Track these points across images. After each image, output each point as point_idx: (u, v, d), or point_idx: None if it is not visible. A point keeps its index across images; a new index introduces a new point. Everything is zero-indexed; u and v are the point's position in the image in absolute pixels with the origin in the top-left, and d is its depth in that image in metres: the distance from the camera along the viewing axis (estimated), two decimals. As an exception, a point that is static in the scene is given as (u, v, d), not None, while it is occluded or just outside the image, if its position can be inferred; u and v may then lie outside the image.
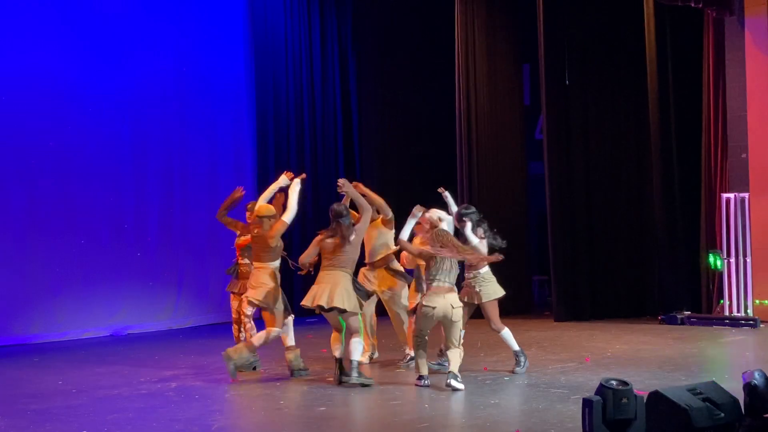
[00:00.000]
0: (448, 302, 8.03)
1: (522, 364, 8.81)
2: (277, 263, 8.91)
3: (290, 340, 9.04)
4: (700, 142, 13.02)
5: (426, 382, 8.25)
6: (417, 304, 8.29)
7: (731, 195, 12.36)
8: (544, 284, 16.05)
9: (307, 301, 8.44)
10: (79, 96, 13.04)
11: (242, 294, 9.35)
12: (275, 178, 15.08)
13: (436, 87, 16.04)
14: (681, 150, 13.29)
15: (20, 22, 12.49)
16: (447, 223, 8.69)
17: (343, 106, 16.11)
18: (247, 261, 9.49)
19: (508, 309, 13.98)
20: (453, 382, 7.96)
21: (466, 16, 14.18)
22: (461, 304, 8.24)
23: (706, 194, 12.92)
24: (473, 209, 8.95)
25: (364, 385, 8.28)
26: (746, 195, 12.31)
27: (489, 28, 14.42)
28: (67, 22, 12.95)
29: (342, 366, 8.48)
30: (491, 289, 8.78)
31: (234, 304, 9.65)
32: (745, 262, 12.24)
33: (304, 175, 9.19)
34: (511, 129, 14.77)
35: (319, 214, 15.54)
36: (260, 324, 9.17)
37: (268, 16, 15.26)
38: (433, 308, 8.02)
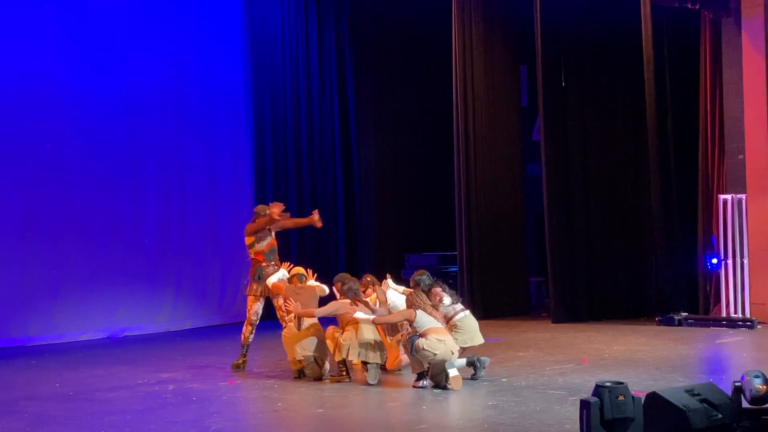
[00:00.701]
0: (448, 349, 8.19)
1: (478, 369, 8.65)
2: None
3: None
4: (698, 143, 13.02)
5: (425, 382, 8.27)
6: (414, 343, 8.28)
7: (728, 196, 12.36)
8: (542, 285, 16.05)
9: (356, 357, 8.58)
10: (77, 99, 13.02)
11: (267, 296, 9.64)
12: (272, 181, 15.23)
13: (433, 88, 16.06)
14: (678, 151, 13.30)
15: (16, 26, 12.47)
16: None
17: (340, 107, 16.12)
18: (272, 263, 9.64)
19: (507, 311, 14.08)
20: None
21: (463, 18, 14.18)
22: (458, 348, 8.40)
23: (703, 195, 12.92)
24: (426, 274, 9.29)
25: (370, 377, 8.45)
26: (743, 196, 12.31)
27: (486, 30, 14.41)
28: (64, 25, 12.93)
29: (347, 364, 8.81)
30: (461, 339, 8.83)
31: (255, 306, 9.66)
32: (742, 263, 12.24)
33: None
34: (508, 130, 14.77)
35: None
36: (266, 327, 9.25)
37: (266, 19, 15.27)
38: (435, 354, 8.15)
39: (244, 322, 9.75)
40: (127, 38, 13.58)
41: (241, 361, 9.62)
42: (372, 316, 8.72)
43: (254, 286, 9.65)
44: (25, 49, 12.53)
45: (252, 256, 9.69)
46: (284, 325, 9.15)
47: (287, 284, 9.31)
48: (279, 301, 9.47)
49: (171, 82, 14.10)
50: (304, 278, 9.42)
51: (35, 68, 12.62)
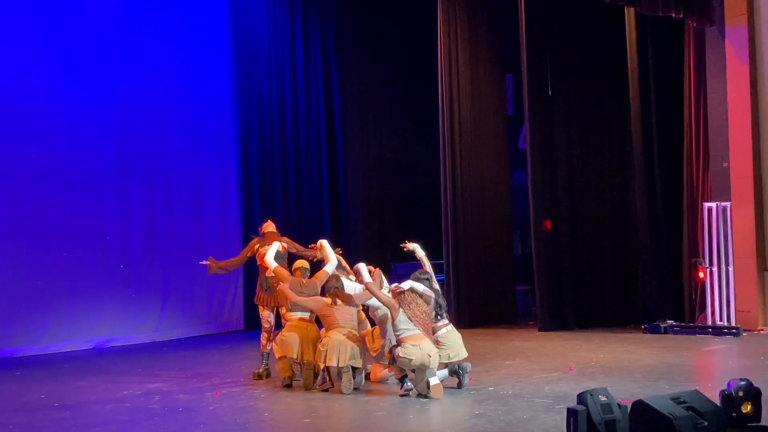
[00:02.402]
0: (424, 352, 8.18)
1: (462, 376, 8.64)
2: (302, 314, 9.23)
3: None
4: (682, 151, 13.09)
5: (408, 384, 8.29)
6: (392, 351, 8.31)
7: (713, 204, 12.41)
8: (529, 294, 16.07)
9: (333, 362, 8.54)
10: (62, 107, 12.99)
11: (275, 305, 9.65)
12: (258, 190, 15.22)
13: (419, 97, 16.09)
14: (663, 159, 13.36)
15: (1, 32, 12.43)
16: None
17: (326, 116, 16.13)
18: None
19: (493, 319, 14.09)
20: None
21: (449, 26, 14.23)
22: (436, 350, 8.38)
23: (688, 203, 12.98)
24: (427, 274, 9.04)
25: (344, 387, 8.50)
26: (728, 204, 12.36)
27: (471, 38, 14.47)
28: (50, 32, 12.90)
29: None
30: (444, 354, 8.67)
31: (265, 313, 9.71)
32: (727, 271, 12.29)
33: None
34: (495, 139, 14.82)
35: (302, 222, 15.55)
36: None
37: (252, 28, 15.29)
38: (410, 360, 8.16)
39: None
40: (113, 47, 13.55)
41: (262, 370, 9.62)
42: (369, 280, 8.65)
43: (262, 296, 9.73)
44: (9, 56, 12.48)
45: (258, 261, 9.81)
46: (284, 322, 9.22)
47: (292, 277, 9.29)
48: (283, 310, 9.49)
49: (157, 90, 14.08)
50: (308, 272, 9.44)
51: (19, 76, 12.57)
